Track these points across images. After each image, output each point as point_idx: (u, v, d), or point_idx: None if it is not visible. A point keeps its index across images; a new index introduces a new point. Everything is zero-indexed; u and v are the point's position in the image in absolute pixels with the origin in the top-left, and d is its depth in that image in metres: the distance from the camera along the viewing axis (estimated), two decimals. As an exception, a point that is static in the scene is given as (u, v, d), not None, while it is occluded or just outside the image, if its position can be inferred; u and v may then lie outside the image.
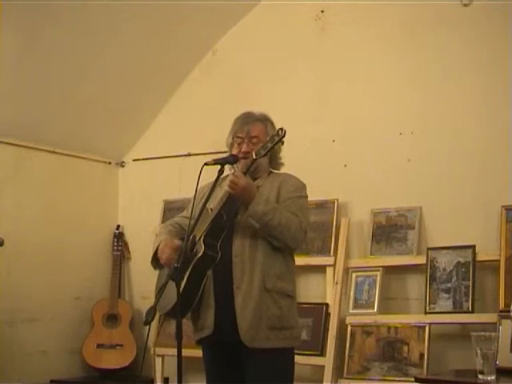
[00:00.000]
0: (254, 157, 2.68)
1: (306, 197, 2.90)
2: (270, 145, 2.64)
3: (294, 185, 2.86)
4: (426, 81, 4.18)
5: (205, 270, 2.72)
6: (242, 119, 2.92)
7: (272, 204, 2.72)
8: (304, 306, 4.08)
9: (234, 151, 2.89)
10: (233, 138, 2.91)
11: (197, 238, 2.73)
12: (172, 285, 2.53)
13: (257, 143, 2.84)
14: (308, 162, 4.28)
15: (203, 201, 2.77)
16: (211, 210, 2.78)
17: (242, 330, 2.66)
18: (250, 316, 2.67)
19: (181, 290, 2.62)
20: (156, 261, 2.87)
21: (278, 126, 2.97)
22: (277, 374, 2.73)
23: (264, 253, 2.74)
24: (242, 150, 2.86)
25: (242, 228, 2.75)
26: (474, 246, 3.80)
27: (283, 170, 2.98)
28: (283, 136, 2.63)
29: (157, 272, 2.96)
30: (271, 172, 2.93)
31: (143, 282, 4.93)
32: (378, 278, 4.04)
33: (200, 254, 2.68)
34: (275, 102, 4.48)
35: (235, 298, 2.69)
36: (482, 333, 2.88)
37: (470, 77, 4.05)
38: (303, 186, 2.90)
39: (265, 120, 2.93)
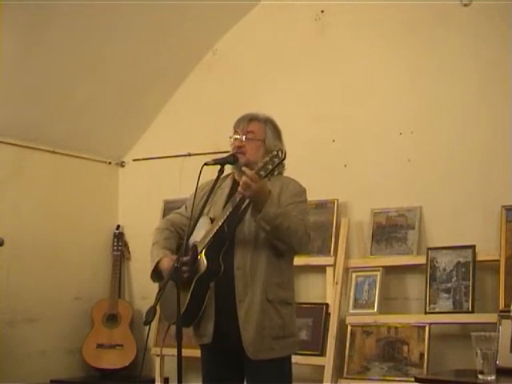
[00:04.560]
0: None
1: (307, 201, 2.88)
2: (270, 167, 2.57)
3: (295, 189, 2.84)
4: (425, 81, 4.19)
5: (208, 282, 2.72)
6: (242, 116, 2.90)
7: (282, 207, 2.69)
8: (304, 306, 4.09)
9: (230, 147, 2.87)
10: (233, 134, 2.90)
11: (199, 249, 2.71)
12: (175, 292, 2.52)
13: (252, 139, 2.82)
14: (308, 162, 4.28)
15: (203, 201, 2.76)
16: (211, 219, 2.76)
17: (246, 343, 2.66)
18: (253, 328, 2.66)
19: (186, 303, 2.65)
20: (156, 275, 2.83)
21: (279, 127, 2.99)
22: (279, 382, 2.74)
23: (266, 263, 2.72)
24: (235, 144, 2.84)
25: (243, 239, 2.73)
26: (474, 246, 3.80)
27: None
28: (283, 158, 2.57)
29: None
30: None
31: (143, 282, 4.89)
32: (378, 278, 4.04)
33: (203, 270, 2.67)
34: (275, 101, 4.48)
35: (238, 312, 2.68)
36: (482, 333, 2.88)
37: (470, 77, 4.05)
38: (303, 191, 2.87)
39: (265, 120, 2.90)
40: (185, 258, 2.65)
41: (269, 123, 2.90)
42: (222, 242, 2.71)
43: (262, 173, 2.57)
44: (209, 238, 2.69)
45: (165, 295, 2.59)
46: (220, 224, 2.68)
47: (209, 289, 2.72)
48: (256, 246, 2.72)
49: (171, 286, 2.56)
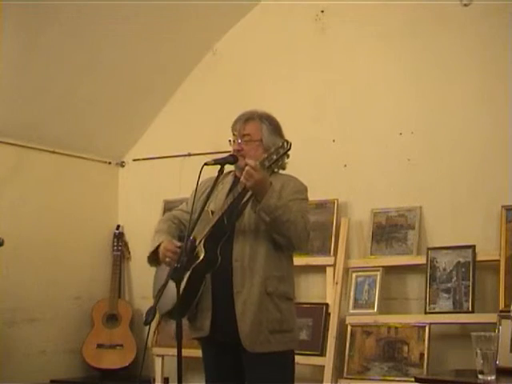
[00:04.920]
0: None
1: (307, 199, 2.89)
2: (274, 157, 2.60)
3: (296, 187, 2.85)
4: (426, 81, 4.18)
5: (204, 273, 2.73)
6: (238, 117, 2.92)
7: (283, 200, 2.70)
8: (304, 306, 4.09)
9: (231, 148, 2.89)
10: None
11: (197, 241, 2.73)
12: (170, 286, 2.53)
13: (249, 141, 2.84)
14: (308, 162, 4.27)
15: (204, 198, 2.78)
16: (212, 212, 2.77)
17: (243, 334, 2.66)
18: (250, 320, 2.67)
19: (180, 292, 2.64)
20: (153, 258, 2.87)
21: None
22: (278, 377, 2.74)
23: (265, 256, 2.73)
24: (233, 147, 2.87)
25: (242, 232, 2.74)
26: (473, 246, 3.80)
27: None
28: (288, 149, 2.59)
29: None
30: (273, 172, 2.88)
31: (143, 282, 4.90)
32: (378, 278, 4.04)
33: (200, 259, 2.68)
34: (275, 101, 4.47)
35: (235, 303, 2.69)
36: (482, 333, 2.88)
37: (470, 77, 4.05)
38: (305, 189, 2.89)
39: (262, 119, 2.90)
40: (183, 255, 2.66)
41: (264, 120, 2.90)
42: (221, 234, 2.73)
43: (266, 163, 2.60)
44: (208, 229, 2.71)
45: (157, 284, 2.60)
46: (219, 215, 2.70)
47: (204, 279, 2.72)
48: (255, 239, 2.73)
49: (168, 277, 2.58)
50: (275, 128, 2.91)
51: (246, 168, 2.58)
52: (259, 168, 2.57)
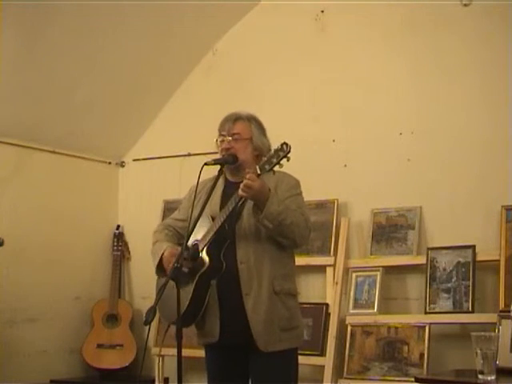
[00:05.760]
0: (259, 172, 2.62)
1: (302, 193, 2.90)
2: (274, 160, 2.59)
3: (290, 183, 2.86)
4: (426, 81, 4.19)
5: (209, 281, 2.73)
6: (226, 118, 2.91)
7: (284, 203, 2.71)
8: (304, 305, 4.06)
9: (219, 149, 2.88)
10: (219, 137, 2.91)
11: (199, 247, 2.73)
12: (175, 292, 2.53)
13: (238, 140, 2.84)
14: (308, 162, 4.27)
15: (202, 202, 2.78)
16: (212, 217, 2.77)
17: (256, 335, 2.67)
18: (262, 320, 2.68)
19: (187, 302, 2.66)
20: (161, 269, 2.85)
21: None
22: (285, 374, 2.75)
23: (270, 256, 2.74)
24: (222, 146, 2.85)
25: (243, 234, 2.74)
26: (474, 246, 3.80)
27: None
28: (288, 151, 2.59)
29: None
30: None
31: (143, 282, 4.93)
32: (378, 278, 4.04)
33: (205, 267, 2.69)
34: (275, 101, 4.49)
35: (245, 305, 2.69)
36: (482, 333, 2.88)
37: (470, 77, 4.05)
38: (298, 183, 2.90)
39: (249, 119, 2.90)
40: (185, 253, 2.66)
41: (253, 121, 2.91)
42: (223, 240, 2.73)
43: (267, 166, 2.60)
44: (210, 236, 2.71)
45: (164, 294, 2.59)
46: (221, 222, 2.70)
47: (210, 287, 2.72)
48: (257, 240, 2.74)
49: (171, 286, 2.57)
50: (263, 129, 2.92)
51: (244, 181, 2.58)
52: (255, 177, 2.58)
